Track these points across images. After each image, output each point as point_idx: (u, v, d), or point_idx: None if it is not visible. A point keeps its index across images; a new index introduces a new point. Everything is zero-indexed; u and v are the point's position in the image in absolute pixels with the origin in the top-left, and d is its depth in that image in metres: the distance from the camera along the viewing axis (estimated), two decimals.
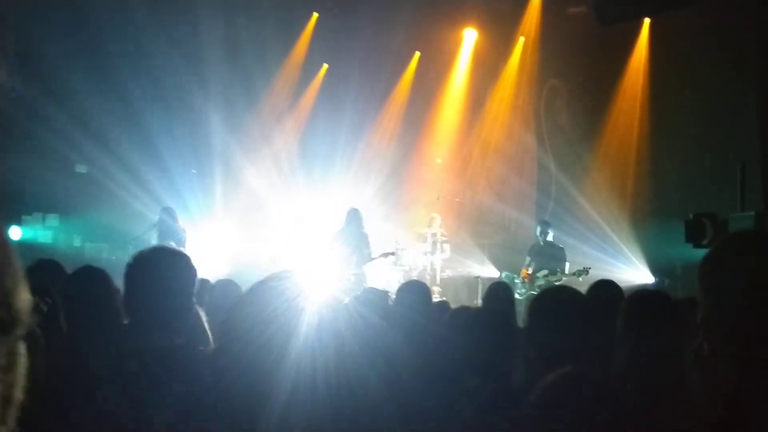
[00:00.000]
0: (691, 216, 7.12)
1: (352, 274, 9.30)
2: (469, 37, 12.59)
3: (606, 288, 3.47)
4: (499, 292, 4.69)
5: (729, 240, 1.24)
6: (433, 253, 10.76)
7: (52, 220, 11.45)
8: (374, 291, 3.31)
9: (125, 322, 2.36)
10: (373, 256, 9.73)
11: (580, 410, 1.52)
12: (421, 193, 12.15)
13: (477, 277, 10.64)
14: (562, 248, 9.66)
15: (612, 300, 3.06)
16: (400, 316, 3.58)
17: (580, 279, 8.65)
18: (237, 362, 1.93)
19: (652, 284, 9.54)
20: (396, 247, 10.79)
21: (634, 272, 10.02)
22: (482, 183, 12.52)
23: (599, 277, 7.50)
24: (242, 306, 2.15)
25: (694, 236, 7.00)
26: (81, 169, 11.70)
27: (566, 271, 9.39)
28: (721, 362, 1.17)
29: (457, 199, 11.89)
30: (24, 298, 0.76)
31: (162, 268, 2.24)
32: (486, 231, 12.26)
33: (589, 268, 9.00)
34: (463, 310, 3.53)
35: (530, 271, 9.52)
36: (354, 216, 9.61)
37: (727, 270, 1.18)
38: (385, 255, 9.92)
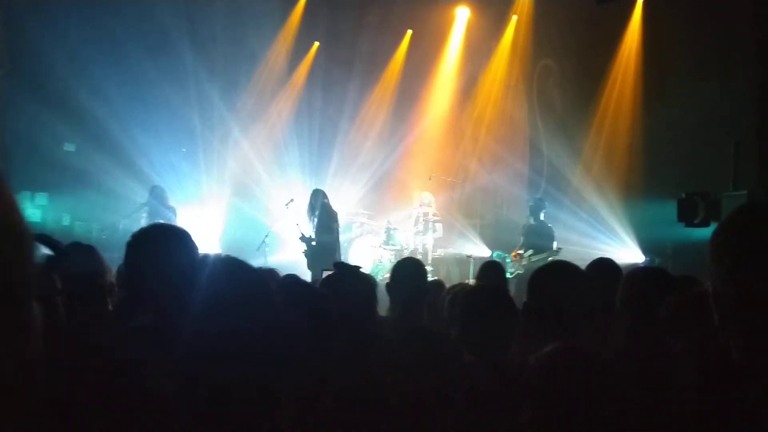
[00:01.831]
0: (683, 195, 7.15)
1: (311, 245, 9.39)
2: (462, 15, 12.50)
3: (605, 266, 3.46)
4: (491, 270, 4.69)
5: (744, 210, 1.22)
6: (424, 232, 10.76)
7: (41, 198, 11.35)
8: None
9: (123, 298, 2.33)
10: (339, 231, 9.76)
11: (577, 380, 1.53)
12: (413, 172, 12.12)
13: (469, 257, 10.64)
14: (551, 227, 9.68)
15: (610, 278, 3.05)
16: (395, 293, 3.57)
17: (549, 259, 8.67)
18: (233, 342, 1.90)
19: (643, 263, 9.58)
20: (388, 226, 10.80)
21: (624, 251, 10.04)
22: (474, 162, 12.50)
23: (589, 256, 7.53)
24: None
25: (686, 215, 7.04)
26: (69, 147, 11.59)
27: (554, 249, 9.41)
28: (733, 334, 1.16)
29: (449, 179, 11.86)
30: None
31: (163, 245, 2.20)
32: (478, 210, 12.27)
33: (560, 249, 9.10)
34: (460, 287, 3.53)
35: (522, 251, 9.55)
36: (316, 196, 9.60)
37: (741, 240, 1.16)
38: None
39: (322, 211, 9.58)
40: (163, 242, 2.22)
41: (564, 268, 2.65)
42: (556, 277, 2.53)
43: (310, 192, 10.15)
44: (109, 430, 1.72)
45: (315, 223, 9.46)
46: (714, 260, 1.18)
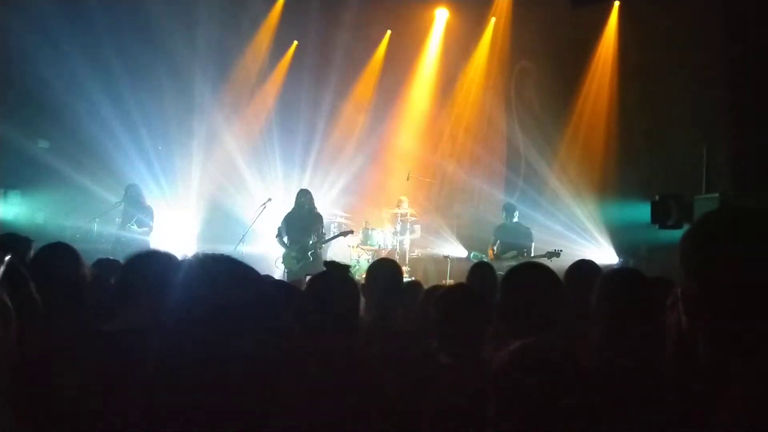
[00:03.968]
0: (657, 197, 7.25)
1: (308, 254, 9.20)
2: (441, 16, 12.54)
3: (584, 267, 3.49)
4: (483, 271, 4.67)
5: (712, 215, 1.25)
6: (402, 233, 10.79)
7: (14, 196, 11.15)
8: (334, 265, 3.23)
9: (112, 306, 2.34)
10: (328, 236, 9.70)
11: (540, 375, 1.56)
12: (391, 172, 12.14)
13: (446, 257, 10.69)
14: (529, 228, 9.75)
15: (590, 280, 3.08)
16: (370, 294, 3.56)
17: (551, 260, 8.69)
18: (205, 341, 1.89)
19: (617, 264, 9.69)
20: (365, 226, 10.81)
21: (599, 252, 10.16)
22: (452, 163, 12.54)
23: (565, 256, 7.60)
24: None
25: (659, 217, 7.15)
26: (43, 144, 11.42)
27: (533, 251, 9.47)
28: (700, 336, 1.19)
29: (427, 179, 11.90)
30: None
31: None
32: (455, 210, 12.32)
33: (560, 251, 8.97)
34: (437, 289, 3.54)
35: (495, 251, 9.59)
36: (303, 197, 9.46)
37: (710, 243, 1.19)
38: (344, 234, 9.86)
39: (315, 214, 9.44)
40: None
41: (535, 268, 2.68)
42: (527, 277, 2.56)
43: (284, 191, 10.08)
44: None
45: (307, 227, 9.29)
46: (684, 262, 1.21)
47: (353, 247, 10.80)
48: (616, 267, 8.47)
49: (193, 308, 1.24)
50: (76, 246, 3.10)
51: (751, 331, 1.11)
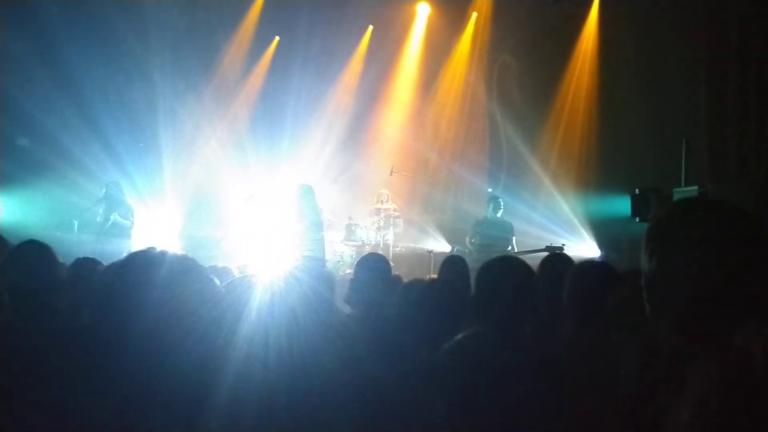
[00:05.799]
0: (637, 191, 7.35)
1: (309, 249, 9.21)
2: (423, 12, 12.55)
3: (558, 260, 3.53)
4: (455, 265, 4.74)
5: (677, 206, 1.29)
6: (385, 228, 10.80)
7: None
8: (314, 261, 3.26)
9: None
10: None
11: (479, 364, 1.60)
12: (374, 167, 12.14)
13: (430, 252, 10.72)
14: (510, 222, 9.80)
15: (564, 272, 3.12)
16: (359, 290, 3.58)
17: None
18: (186, 338, 1.90)
19: (599, 257, 9.78)
20: (349, 222, 10.81)
21: (581, 246, 10.24)
22: (435, 157, 12.57)
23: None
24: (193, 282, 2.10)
25: (639, 210, 7.23)
26: (22, 141, 11.31)
27: (514, 246, 9.53)
28: (663, 324, 1.22)
29: (410, 174, 11.91)
30: None
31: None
32: (438, 206, 12.35)
33: (564, 245, 8.80)
34: (416, 283, 3.55)
35: (472, 244, 9.64)
36: (307, 191, 9.44)
37: (672, 234, 1.22)
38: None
39: (315, 208, 9.40)
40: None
41: (510, 262, 2.70)
42: (502, 271, 2.58)
43: (269, 187, 10.05)
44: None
45: (308, 221, 9.25)
46: (647, 252, 1.25)
47: (337, 243, 10.81)
48: (586, 260, 8.51)
49: (138, 303, 1.26)
50: (56, 243, 3.09)
51: (710, 320, 1.14)
